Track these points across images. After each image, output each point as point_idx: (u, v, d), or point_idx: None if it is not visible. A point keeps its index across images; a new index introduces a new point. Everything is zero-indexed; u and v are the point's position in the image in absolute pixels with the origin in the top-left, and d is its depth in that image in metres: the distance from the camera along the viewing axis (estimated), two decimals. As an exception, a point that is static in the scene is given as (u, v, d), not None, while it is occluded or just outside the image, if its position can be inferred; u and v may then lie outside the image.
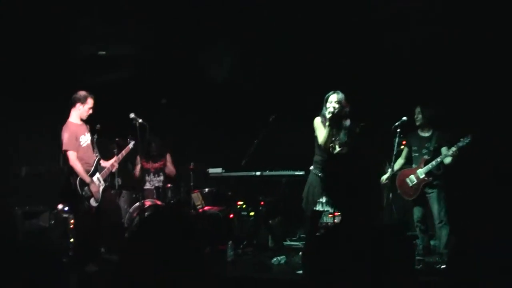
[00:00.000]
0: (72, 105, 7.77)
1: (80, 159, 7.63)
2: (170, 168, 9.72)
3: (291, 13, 9.09)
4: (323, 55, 9.55)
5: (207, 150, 10.18)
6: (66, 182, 7.69)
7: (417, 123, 8.00)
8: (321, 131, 7.33)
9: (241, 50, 9.95)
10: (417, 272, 3.01)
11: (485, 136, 7.90)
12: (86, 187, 7.62)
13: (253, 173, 9.14)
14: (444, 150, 7.78)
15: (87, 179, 7.60)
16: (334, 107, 7.17)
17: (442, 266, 7.16)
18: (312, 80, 9.44)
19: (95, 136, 7.96)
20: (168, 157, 9.68)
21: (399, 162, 8.22)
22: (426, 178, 7.84)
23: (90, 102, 7.76)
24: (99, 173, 7.87)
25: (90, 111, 7.78)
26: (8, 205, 8.35)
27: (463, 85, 8.98)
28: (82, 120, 7.80)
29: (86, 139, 7.79)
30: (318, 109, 7.42)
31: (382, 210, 8.28)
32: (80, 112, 7.75)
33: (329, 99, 7.24)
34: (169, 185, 9.38)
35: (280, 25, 9.31)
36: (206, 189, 9.69)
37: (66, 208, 8.66)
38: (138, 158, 8.85)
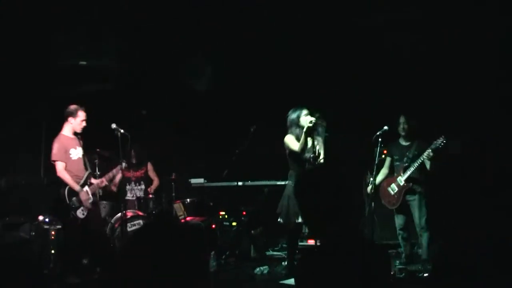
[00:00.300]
0: (65, 119, 7.88)
1: (69, 171, 7.72)
2: (152, 176, 9.66)
3: (262, 25, 9.17)
4: (301, 65, 9.59)
5: (189, 160, 10.16)
6: (57, 193, 7.80)
7: (402, 133, 8.05)
8: (294, 142, 7.44)
9: (220, 60, 9.98)
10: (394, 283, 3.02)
11: (468, 142, 7.99)
12: (75, 198, 7.70)
13: (235, 183, 9.14)
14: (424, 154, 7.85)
15: (76, 187, 7.70)
16: (311, 119, 7.30)
17: (425, 275, 7.18)
18: (292, 89, 9.47)
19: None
20: (150, 165, 9.64)
21: (383, 172, 8.26)
22: (405, 184, 7.91)
23: (81, 114, 7.85)
24: (88, 187, 7.89)
25: (84, 124, 7.86)
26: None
27: (441, 93, 9.05)
28: (75, 134, 7.90)
29: (76, 152, 7.88)
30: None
31: (360, 222, 8.35)
32: (72, 125, 7.87)
33: (303, 113, 7.43)
34: (150, 196, 9.34)
35: (263, 31, 9.37)
36: (188, 200, 9.66)
37: (47, 220, 8.61)
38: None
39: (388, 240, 8.84)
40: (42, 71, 9.34)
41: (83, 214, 7.73)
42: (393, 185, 8.03)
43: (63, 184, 7.70)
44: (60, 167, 7.69)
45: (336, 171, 3.12)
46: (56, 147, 7.73)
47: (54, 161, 7.72)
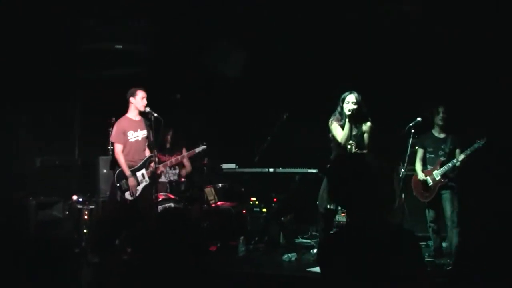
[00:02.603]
0: (128, 102, 8.08)
1: (125, 153, 7.95)
2: (185, 161, 9.71)
3: (298, 12, 9.14)
4: (337, 54, 9.55)
5: (221, 145, 10.20)
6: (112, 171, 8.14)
7: (440, 123, 7.96)
8: (339, 130, 7.36)
9: (254, 46, 9.99)
10: (425, 267, 3.01)
11: (497, 138, 7.88)
12: (124, 180, 7.91)
13: (267, 169, 9.15)
14: (457, 152, 7.79)
15: (127, 172, 7.90)
16: (352, 107, 7.21)
17: (450, 268, 7.14)
18: (326, 78, 9.44)
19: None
20: (184, 150, 9.68)
21: (418, 166, 8.16)
22: (442, 180, 7.84)
23: (140, 93, 8.03)
24: (146, 171, 8.09)
25: (144, 101, 8.01)
26: (22, 195, 8.43)
27: (474, 85, 8.94)
28: (140, 114, 8.11)
29: (137, 135, 8.08)
30: (331, 107, 7.44)
31: (392, 209, 8.30)
32: (134, 105, 8.05)
33: (346, 99, 7.29)
34: (182, 180, 9.41)
35: (293, 23, 9.35)
36: (220, 185, 9.72)
37: (80, 199, 8.78)
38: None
39: (417, 232, 8.76)
40: (76, 54, 9.45)
41: (131, 196, 7.90)
42: (428, 178, 7.96)
43: (117, 165, 7.95)
44: (117, 149, 7.93)
45: (364, 160, 3.14)
46: (115, 129, 8.01)
47: (113, 142, 8.03)
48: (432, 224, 8.05)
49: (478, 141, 7.59)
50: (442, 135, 8.00)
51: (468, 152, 7.63)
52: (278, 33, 9.59)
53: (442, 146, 7.93)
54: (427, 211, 8.10)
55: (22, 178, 8.88)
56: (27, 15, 8.73)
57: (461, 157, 7.69)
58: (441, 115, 7.93)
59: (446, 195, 7.84)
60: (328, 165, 7.14)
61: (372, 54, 9.39)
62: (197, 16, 9.49)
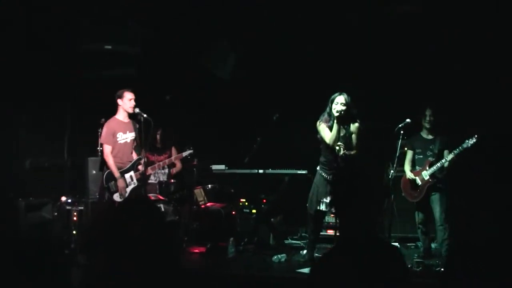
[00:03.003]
0: (116, 103, 8.10)
1: (114, 154, 7.97)
2: (176, 161, 9.68)
3: (292, 13, 9.15)
4: (326, 55, 9.57)
5: (211, 146, 10.20)
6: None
7: (427, 126, 8.03)
8: (326, 132, 7.38)
9: (244, 48, 10.00)
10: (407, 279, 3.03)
11: (487, 138, 7.94)
12: (113, 182, 7.94)
13: (256, 170, 9.16)
14: (446, 153, 7.85)
15: (116, 174, 7.91)
16: (341, 108, 7.23)
17: (442, 269, 7.17)
18: (315, 79, 9.46)
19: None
20: (173, 150, 9.66)
21: (407, 167, 8.22)
22: (430, 180, 7.90)
23: (127, 95, 8.03)
24: (134, 173, 8.11)
25: (132, 103, 8.02)
26: (11, 197, 8.40)
27: (464, 86, 8.99)
28: (129, 116, 8.12)
29: (125, 136, 8.10)
30: (321, 109, 7.47)
31: (381, 213, 8.35)
32: (122, 107, 8.06)
33: (335, 100, 7.31)
34: (172, 181, 9.41)
35: (283, 24, 9.36)
36: (209, 186, 9.72)
37: (69, 201, 8.76)
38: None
39: (407, 233, 8.83)
40: (66, 54, 9.42)
41: (120, 198, 7.88)
42: (417, 179, 8.02)
43: (106, 166, 7.96)
44: (106, 150, 7.95)
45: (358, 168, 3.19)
46: (104, 130, 8.03)
47: (102, 143, 8.07)
48: (421, 226, 8.12)
49: (467, 141, 7.64)
50: (430, 136, 8.08)
51: (456, 151, 7.69)
52: (269, 34, 9.59)
53: (431, 147, 8.00)
54: (416, 213, 8.16)
55: (11, 179, 8.84)
56: (17, 14, 8.71)
57: (450, 156, 7.75)
58: (427, 118, 8.02)
59: (435, 196, 7.91)
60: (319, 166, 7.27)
61: (363, 55, 9.40)
62: (186, 16, 9.47)
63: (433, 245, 8.31)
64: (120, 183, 7.90)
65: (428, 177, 7.91)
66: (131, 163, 8.09)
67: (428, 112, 8.02)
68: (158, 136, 9.53)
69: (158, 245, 2.76)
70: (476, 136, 7.62)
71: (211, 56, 10.03)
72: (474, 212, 7.91)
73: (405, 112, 7.86)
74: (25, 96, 9.25)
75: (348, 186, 3.14)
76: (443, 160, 7.81)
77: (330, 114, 7.41)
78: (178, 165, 9.68)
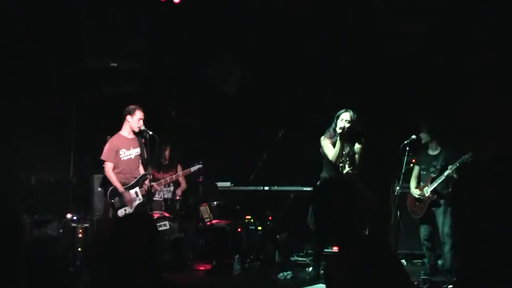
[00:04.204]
0: (124, 118, 8.07)
1: (118, 171, 7.97)
2: (180, 179, 9.66)
3: (300, 30, 9.19)
4: (333, 72, 9.59)
5: (216, 163, 10.19)
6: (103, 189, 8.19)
7: (422, 141, 8.07)
8: (330, 148, 7.35)
9: (249, 63, 10.04)
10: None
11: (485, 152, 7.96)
12: (117, 198, 7.91)
13: (262, 187, 9.15)
14: (449, 167, 7.84)
15: (120, 188, 7.91)
16: (345, 126, 7.20)
17: (449, 286, 7.12)
18: (321, 96, 9.48)
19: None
20: (179, 167, 9.65)
21: (413, 183, 8.25)
22: (431, 196, 7.91)
23: (138, 113, 8.03)
24: (139, 188, 8.08)
25: (141, 123, 8.01)
26: (16, 213, 8.40)
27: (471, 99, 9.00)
28: (134, 133, 8.11)
29: (129, 153, 8.10)
30: (326, 125, 7.46)
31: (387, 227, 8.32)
32: (129, 124, 8.06)
33: (341, 117, 7.29)
34: (177, 197, 9.39)
35: (290, 41, 9.40)
36: (215, 203, 9.69)
37: (75, 218, 8.75)
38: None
39: (413, 250, 8.78)
40: (72, 70, 9.47)
41: (124, 215, 7.87)
42: (420, 195, 8.03)
43: (109, 183, 7.93)
44: (107, 167, 7.94)
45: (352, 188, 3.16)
46: (107, 146, 8.01)
47: (103, 160, 7.99)
48: (426, 242, 8.10)
49: (464, 156, 7.66)
50: (435, 152, 8.09)
51: (454, 167, 7.70)
52: (275, 50, 9.63)
53: (434, 163, 8.02)
54: (420, 228, 8.14)
55: (17, 195, 8.84)
56: (24, 30, 8.76)
57: (447, 172, 7.78)
58: (424, 140, 8.07)
59: (439, 211, 7.91)
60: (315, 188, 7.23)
61: (371, 71, 9.44)
62: (193, 33, 9.53)
63: (439, 262, 8.27)
64: (126, 196, 7.90)
65: (429, 193, 7.92)
66: (136, 179, 8.07)
67: (422, 136, 8.06)
68: (166, 153, 9.50)
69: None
70: (471, 152, 7.67)
71: (216, 72, 10.06)
72: (480, 228, 7.88)
73: (411, 129, 7.86)
74: (32, 112, 9.28)
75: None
76: (443, 176, 7.82)
77: (335, 130, 7.40)
78: (183, 184, 9.65)
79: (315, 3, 8.98)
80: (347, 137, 7.29)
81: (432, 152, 8.11)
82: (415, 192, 8.09)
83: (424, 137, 8.05)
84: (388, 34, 8.96)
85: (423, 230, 8.11)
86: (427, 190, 7.93)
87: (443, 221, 7.82)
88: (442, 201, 7.88)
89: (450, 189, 7.92)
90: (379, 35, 9.09)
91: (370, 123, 7.70)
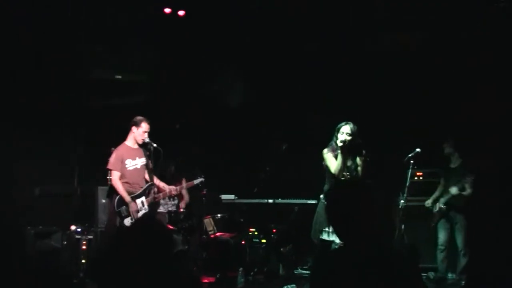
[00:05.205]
0: (129, 128, 8.04)
1: (124, 181, 7.92)
2: (183, 192, 9.63)
3: (304, 40, 9.22)
4: (336, 84, 9.61)
5: (220, 176, 10.19)
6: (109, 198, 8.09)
7: (445, 152, 8.41)
8: (332, 161, 7.27)
9: (252, 77, 10.07)
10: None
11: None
12: (124, 207, 7.85)
13: (266, 200, 9.14)
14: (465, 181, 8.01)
15: (126, 198, 7.84)
16: (345, 139, 7.14)
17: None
18: (325, 109, 9.47)
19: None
20: (184, 181, 9.63)
21: (434, 195, 8.50)
22: (442, 207, 8.15)
23: (144, 126, 7.99)
24: (145, 198, 8.06)
25: (145, 136, 7.99)
26: (20, 225, 8.41)
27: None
28: (138, 144, 8.06)
29: (135, 163, 8.05)
30: (330, 138, 7.43)
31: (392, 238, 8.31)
32: (134, 135, 8.02)
33: (341, 130, 7.19)
34: (181, 210, 9.37)
35: (293, 52, 9.42)
36: (218, 215, 9.67)
37: (79, 230, 8.74)
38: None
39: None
40: (77, 82, 9.50)
41: (131, 224, 7.84)
42: (434, 206, 8.33)
43: (116, 192, 7.88)
44: (114, 176, 7.89)
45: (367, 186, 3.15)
46: (113, 156, 7.96)
47: (109, 169, 7.95)
48: (441, 247, 8.34)
49: (467, 178, 7.95)
50: (455, 165, 8.32)
51: (459, 186, 8.00)
52: (278, 62, 9.65)
53: (453, 176, 8.22)
54: (438, 233, 8.40)
55: (20, 207, 8.85)
56: (29, 42, 8.79)
57: (454, 190, 8.03)
58: (445, 150, 8.32)
59: (457, 225, 8.17)
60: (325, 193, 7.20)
61: (375, 84, 9.46)
62: (197, 46, 9.56)
63: (449, 275, 8.34)
64: (133, 206, 7.86)
65: (442, 205, 8.15)
66: (142, 189, 8.07)
67: (445, 147, 8.35)
68: (172, 169, 9.46)
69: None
70: (471, 175, 8.00)
71: (220, 85, 10.09)
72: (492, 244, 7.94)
73: (415, 142, 7.87)
74: (36, 124, 9.32)
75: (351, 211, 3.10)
76: (449, 194, 8.07)
77: (336, 143, 7.32)
78: (186, 197, 9.62)
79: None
80: (348, 150, 7.23)
81: (453, 165, 8.35)
82: (427, 202, 8.37)
83: (447, 149, 8.16)
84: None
85: (440, 235, 8.37)
86: (441, 202, 8.20)
87: (459, 236, 8.01)
88: (453, 212, 8.02)
89: (462, 204, 8.05)
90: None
91: (375, 136, 7.68)
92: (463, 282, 7.96)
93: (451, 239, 8.23)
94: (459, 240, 8.09)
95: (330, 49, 9.31)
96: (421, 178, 8.96)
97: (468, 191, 8.06)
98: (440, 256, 8.30)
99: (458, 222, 8.16)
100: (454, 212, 8.19)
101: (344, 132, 7.16)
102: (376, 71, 9.36)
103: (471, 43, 8.76)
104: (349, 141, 7.14)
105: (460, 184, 7.96)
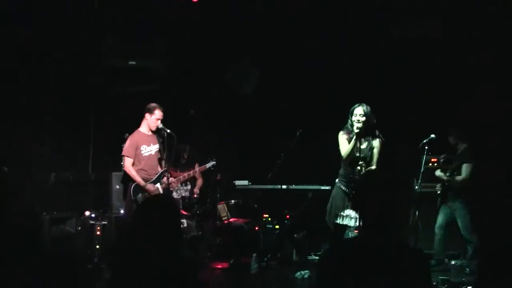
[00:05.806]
0: (143, 115, 8.09)
1: (139, 168, 8.01)
2: (197, 176, 9.61)
3: (316, 28, 9.20)
4: (350, 70, 9.57)
5: (234, 162, 10.19)
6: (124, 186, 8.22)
7: (451, 143, 8.56)
8: (344, 145, 7.22)
9: (267, 63, 10.05)
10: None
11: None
12: (140, 194, 7.90)
13: (279, 186, 9.14)
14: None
15: (141, 183, 7.92)
16: (360, 121, 7.05)
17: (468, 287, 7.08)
18: (339, 94, 9.43)
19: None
20: (197, 166, 9.61)
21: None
22: (437, 188, 8.54)
23: (157, 113, 8.05)
24: (160, 185, 8.12)
25: (158, 122, 8.04)
26: (35, 210, 8.45)
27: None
28: (152, 131, 8.11)
29: (150, 149, 8.12)
30: (344, 124, 7.38)
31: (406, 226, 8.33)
32: (148, 122, 8.08)
33: (355, 112, 7.11)
34: (195, 196, 9.37)
35: (306, 40, 9.41)
36: (232, 201, 9.68)
37: (93, 215, 8.78)
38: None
39: (431, 249, 8.72)
40: (91, 69, 9.52)
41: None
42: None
43: (131, 180, 7.94)
44: (127, 162, 7.96)
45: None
46: (127, 143, 8.02)
47: (123, 156, 8.01)
48: (437, 230, 8.49)
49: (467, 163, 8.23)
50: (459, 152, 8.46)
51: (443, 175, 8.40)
52: (292, 50, 9.62)
53: (455, 162, 8.47)
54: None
55: (36, 193, 8.90)
56: (42, 28, 8.82)
57: (437, 172, 8.55)
58: (452, 142, 8.50)
59: (457, 211, 8.29)
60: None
61: (392, 69, 9.44)
62: (212, 35, 9.55)
63: (453, 262, 8.57)
64: (150, 187, 7.94)
65: (438, 187, 8.56)
66: (157, 175, 8.09)
67: (450, 139, 8.53)
68: (185, 154, 9.45)
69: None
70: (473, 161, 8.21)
71: (234, 73, 10.06)
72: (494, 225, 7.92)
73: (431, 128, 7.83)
74: (51, 111, 9.35)
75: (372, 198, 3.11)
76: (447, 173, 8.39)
77: (352, 125, 7.23)
78: (200, 180, 9.60)
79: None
80: (364, 133, 7.16)
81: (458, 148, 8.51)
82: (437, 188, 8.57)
83: (452, 140, 8.41)
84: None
85: (439, 217, 8.52)
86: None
87: (461, 223, 8.08)
88: (455, 201, 8.05)
89: (459, 187, 8.29)
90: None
91: (389, 121, 7.65)
92: (468, 269, 7.96)
93: (450, 223, 8.35)
94: (460, 226, 8.16)
95: (348, 32, 9.34)
96: (435, 164, 8.91)
97: (462, 175, 8.21)
98: (436, 239, 8.42)
99: (456, 209, 8.24)
100: (452, 197, 8.32)
101: (358, 113, 7.08)
102: (374, 59, 9.43)
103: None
104: (364, 122, 7.05)
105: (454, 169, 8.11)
